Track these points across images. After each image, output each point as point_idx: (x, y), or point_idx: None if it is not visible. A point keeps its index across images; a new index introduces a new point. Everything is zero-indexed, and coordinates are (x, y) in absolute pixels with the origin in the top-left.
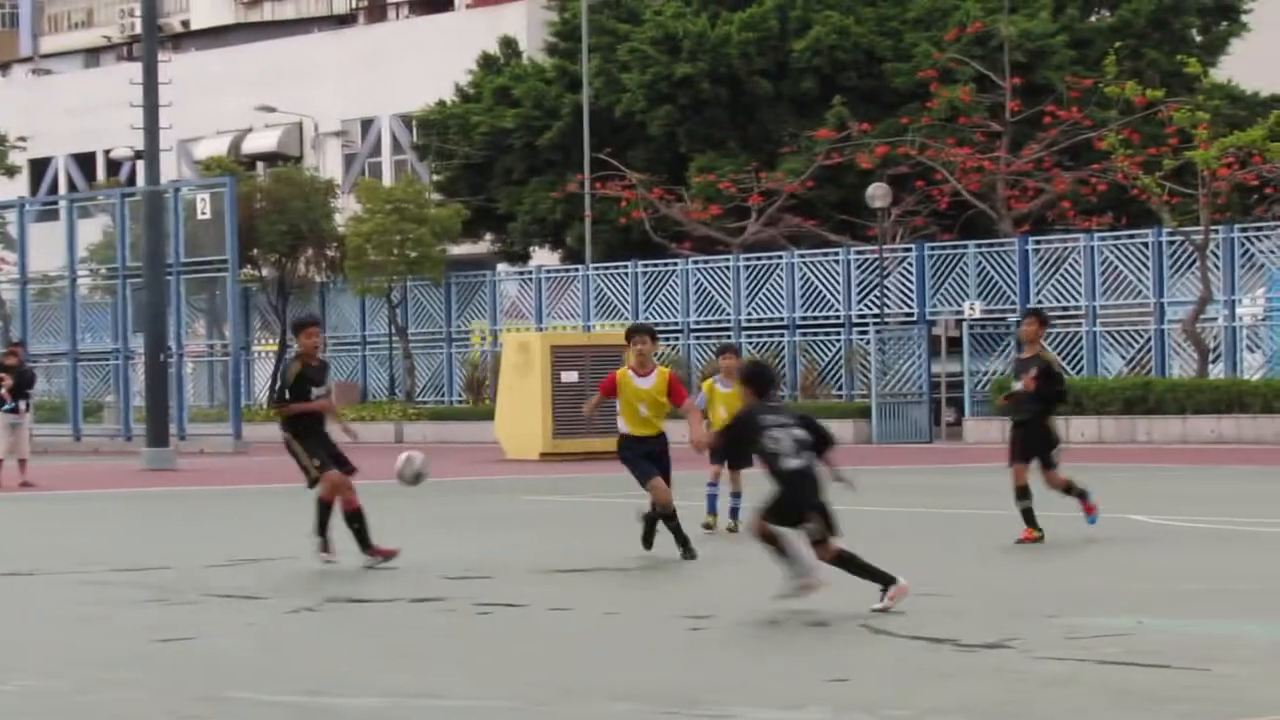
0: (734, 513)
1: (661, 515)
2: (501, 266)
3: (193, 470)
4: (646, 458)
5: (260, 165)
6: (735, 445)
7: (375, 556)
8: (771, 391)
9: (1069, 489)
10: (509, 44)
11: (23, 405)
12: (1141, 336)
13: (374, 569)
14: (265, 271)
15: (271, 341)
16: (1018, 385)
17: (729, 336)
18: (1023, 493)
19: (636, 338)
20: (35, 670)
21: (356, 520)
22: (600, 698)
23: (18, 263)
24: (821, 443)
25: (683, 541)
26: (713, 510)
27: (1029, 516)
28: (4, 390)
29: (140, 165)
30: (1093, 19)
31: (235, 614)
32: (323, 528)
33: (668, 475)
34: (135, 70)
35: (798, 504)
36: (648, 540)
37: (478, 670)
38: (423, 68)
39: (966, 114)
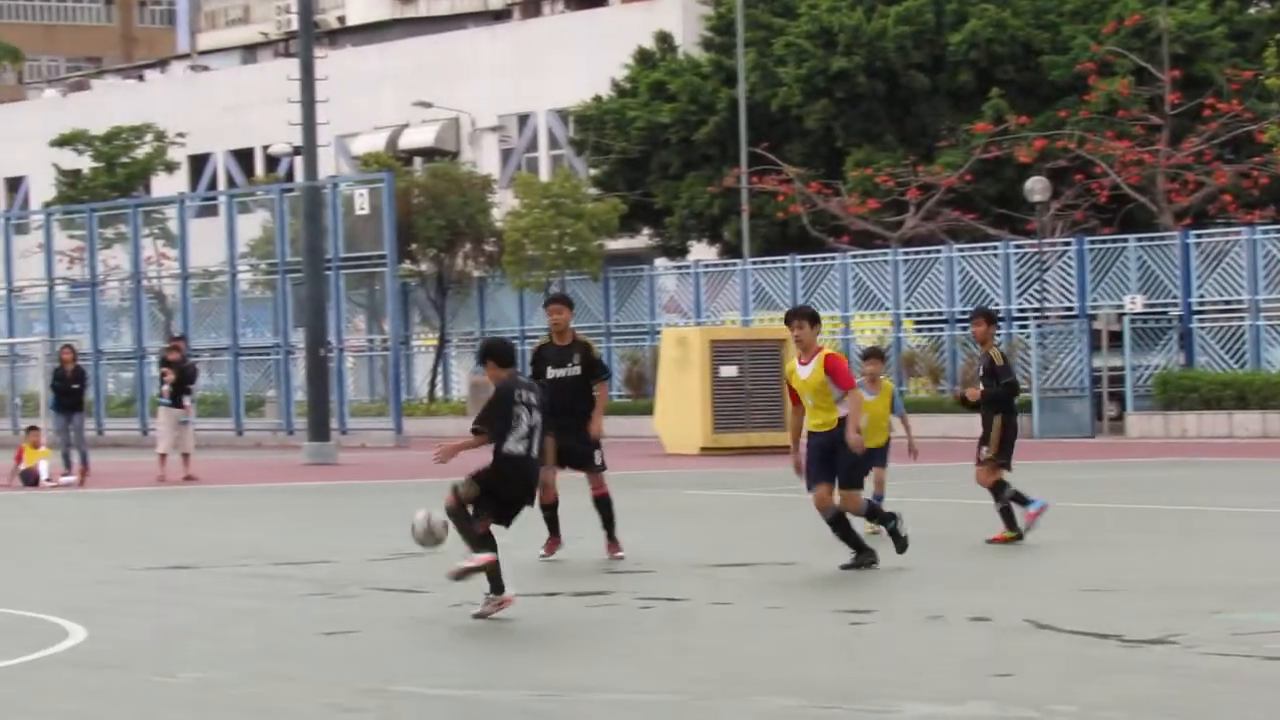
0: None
1: (831, 521)
2: (659, 261)
3: (354, 464)
4: (818, 459)
5: (417, 161)
6: (498, 419)
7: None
8: (513, 364)
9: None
10: (665, 39)
11: (186, 400)
12: None
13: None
14: (424, 266)
15: (431, 336)
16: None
17: (888, 331)
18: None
19: (793, 323)
20: (199, 663)
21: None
22: (760, 692)
23: (178, 258)
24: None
25: (897, 537)
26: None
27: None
28: (166, 385)
29: (298, 161)
30: (1252, 10)
31: (397, 608)
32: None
33: (846, 473)
34: (292, 66)
35: (505, 491)
36: (854, 544)
37: (639, 664)
38: (578, 63)
39: (1125, 107)
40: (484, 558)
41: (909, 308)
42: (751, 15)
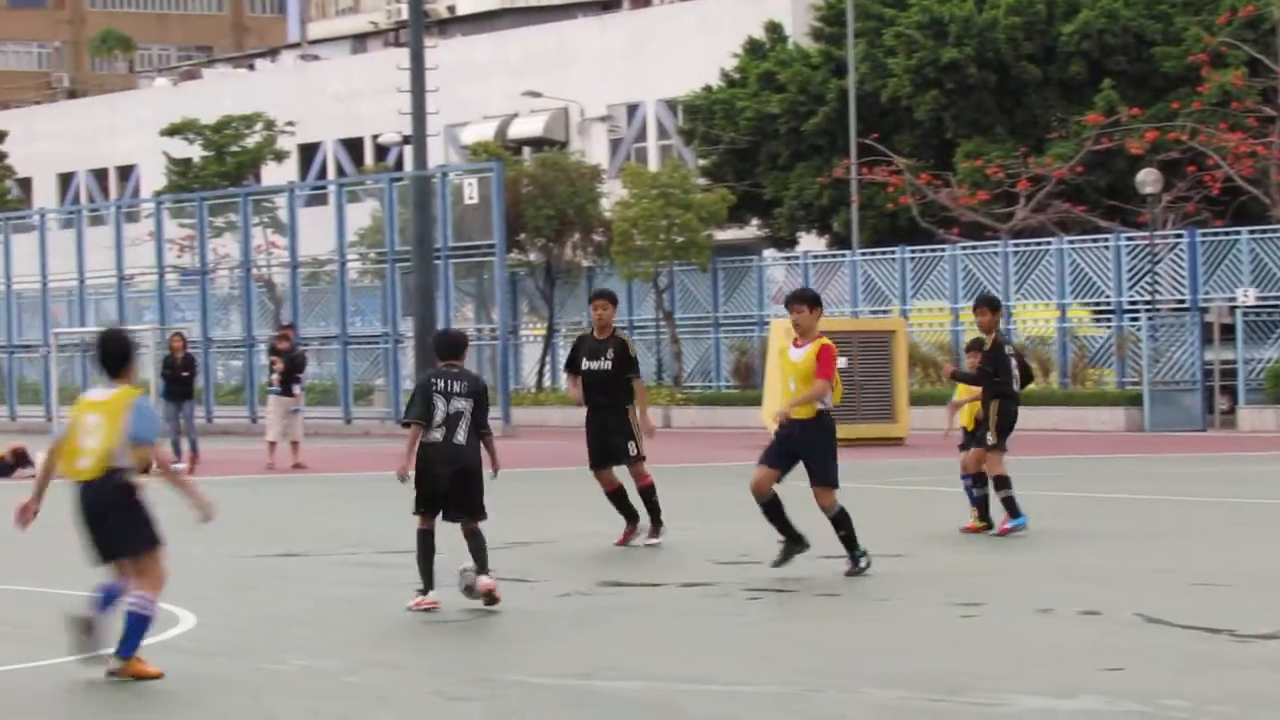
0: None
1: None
2: (768, 252)
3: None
4: (778, 445)
5: (526, 150)
6: (416, 409)
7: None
8: (454, 358)
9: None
10: (774, 29)
11: (295, 389)
12: None
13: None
14: (532, 256)
15: (539, 326)
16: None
17: (1048, 322)
18: (1001, 482)
19: (793, 306)
20: (307, 650)
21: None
22: (868, 684)
23: (288, 247)
24: (479, 425)
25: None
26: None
27: (1009, 504)
28: (275, 374)
29: (408, 150)
30: None
31: (506, 597)
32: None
33: (815, 465)
34: (402, 56)
35: (427, 483)
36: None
37: (746, 655)
38: (687, 53)
39: (1238, 99)
40: (429, 601)
41: (1018, 300)
42: (861, 5)
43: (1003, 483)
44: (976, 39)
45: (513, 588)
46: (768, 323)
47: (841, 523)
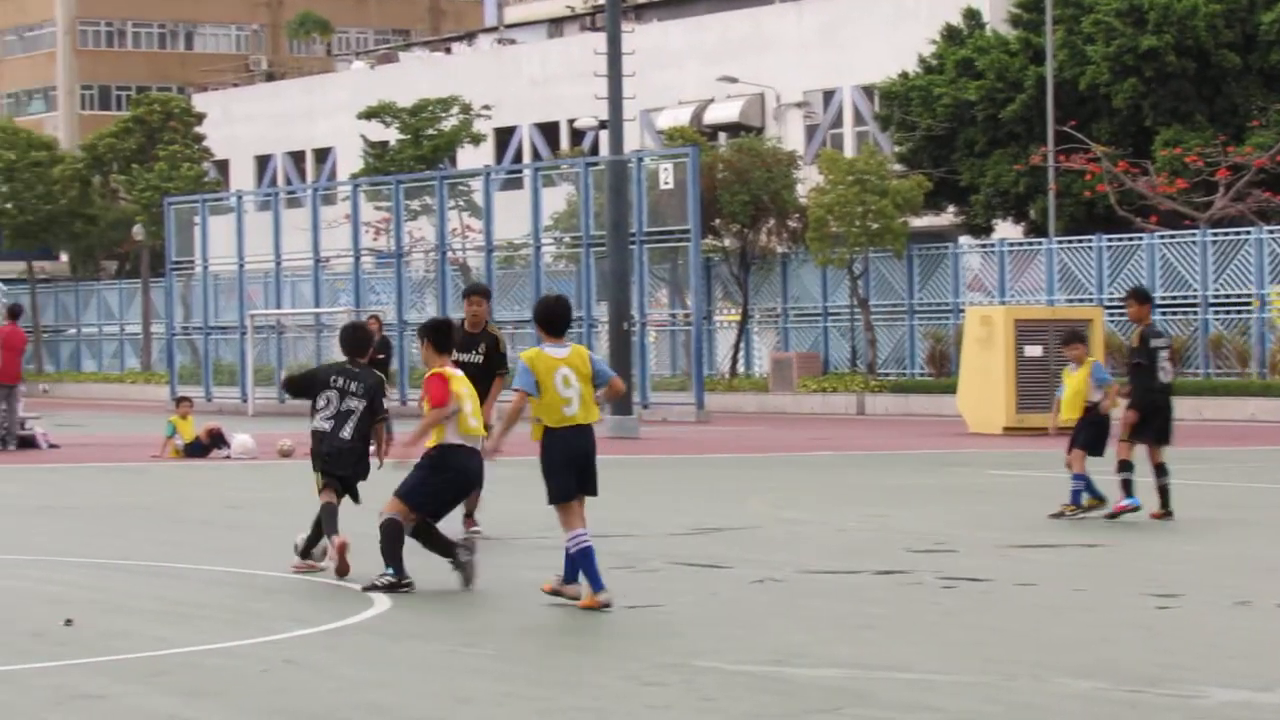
0: (1077, 495)
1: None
2: (963, 239)
3: (655, 438)
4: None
5: (722, 136)
6: (299, 395)
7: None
8: (357, 354)
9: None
10: (972, 15)
11: None
12: None
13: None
14: (726, 242)
15: (733, 312)
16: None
17: (1195, 313)
18: (1123, 465)
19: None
20: (500, 633)
21: None
22: (1064, 674)
23: (483, 230)
24: (367, 422)
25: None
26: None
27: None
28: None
29: (603, 135)
30: None
31: (700, 583)
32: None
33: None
34: (599, 40)
35: (320, 463)
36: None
37: (942, 644)
38: (884, 39)
39: None
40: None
41: (1216, 290)
42: None
43: (1124, 466)
44: (1176, 26)
45: (707, 573)
46: (963, 310)
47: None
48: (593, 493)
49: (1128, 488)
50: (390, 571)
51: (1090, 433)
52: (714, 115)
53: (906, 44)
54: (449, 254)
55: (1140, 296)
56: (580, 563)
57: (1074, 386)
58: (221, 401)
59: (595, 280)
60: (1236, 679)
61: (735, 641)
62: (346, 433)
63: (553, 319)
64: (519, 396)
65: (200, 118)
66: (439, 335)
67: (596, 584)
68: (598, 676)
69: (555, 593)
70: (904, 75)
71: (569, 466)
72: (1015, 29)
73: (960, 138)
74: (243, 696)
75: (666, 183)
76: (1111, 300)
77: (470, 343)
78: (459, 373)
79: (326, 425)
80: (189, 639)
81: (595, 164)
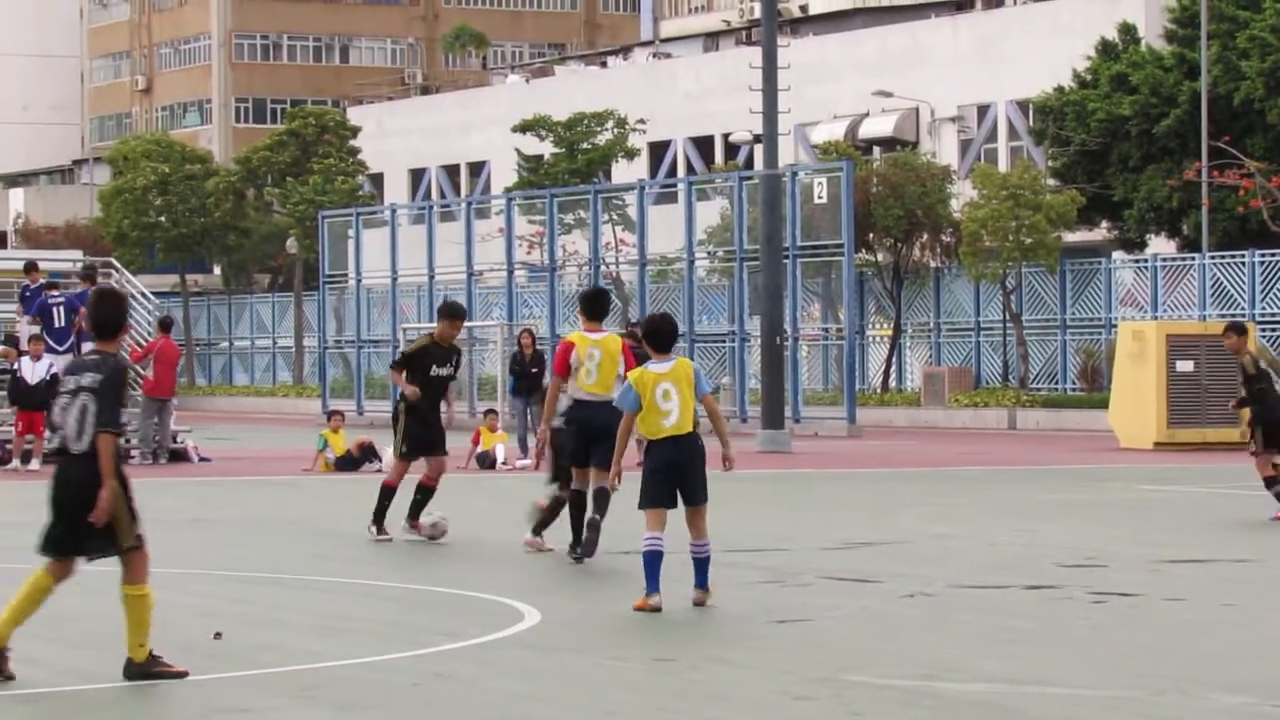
0: None
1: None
2: (1116, 254)
3: (807, 453)
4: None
5: (876, 150)
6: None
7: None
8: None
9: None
10: (1127, 30)
11: None
12: None
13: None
14: (880, 256)
15: (885, 326)
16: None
17: None
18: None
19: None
20: (652, 646)
21: (421, 493)
22: (1213, 690)
23: (637, 244)
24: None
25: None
26: None
27: None
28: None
29: (758, 149)
30: None
31: (850, 597)
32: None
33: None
34: (754, 54)
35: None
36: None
37: (1092, 659)
38: (1039, 54)
39: None
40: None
41: None
42: (1215, 7)
43: (1271, 482)
44: None
45: (858, 588)
46: (1115, 325)
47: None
48: (695, 501)
49: None
50: None
51: None
52: (868, 129)
53: (1061, 58)
54: (602, 268)
55: (1238, 329)
56: (646, 562)
57: None
58: (373, 415)
59: (749, 294)
60: None
61: (885, 656)
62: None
63: (659, 335)
64: (627, 418)
65: (355, 131)
66: (589, 303)
67: (653, 586)
68: (746, 690)
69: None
70: (1059, 90)
71: (663, 475)
72: (1170, 44)
73: (1114, 153)
74: (394, 710)
75: (820, 197)
76: (1264, 316)
77: (445, 357)
78: (591, 335)
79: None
80: (339, 653)
81: (749, 178)
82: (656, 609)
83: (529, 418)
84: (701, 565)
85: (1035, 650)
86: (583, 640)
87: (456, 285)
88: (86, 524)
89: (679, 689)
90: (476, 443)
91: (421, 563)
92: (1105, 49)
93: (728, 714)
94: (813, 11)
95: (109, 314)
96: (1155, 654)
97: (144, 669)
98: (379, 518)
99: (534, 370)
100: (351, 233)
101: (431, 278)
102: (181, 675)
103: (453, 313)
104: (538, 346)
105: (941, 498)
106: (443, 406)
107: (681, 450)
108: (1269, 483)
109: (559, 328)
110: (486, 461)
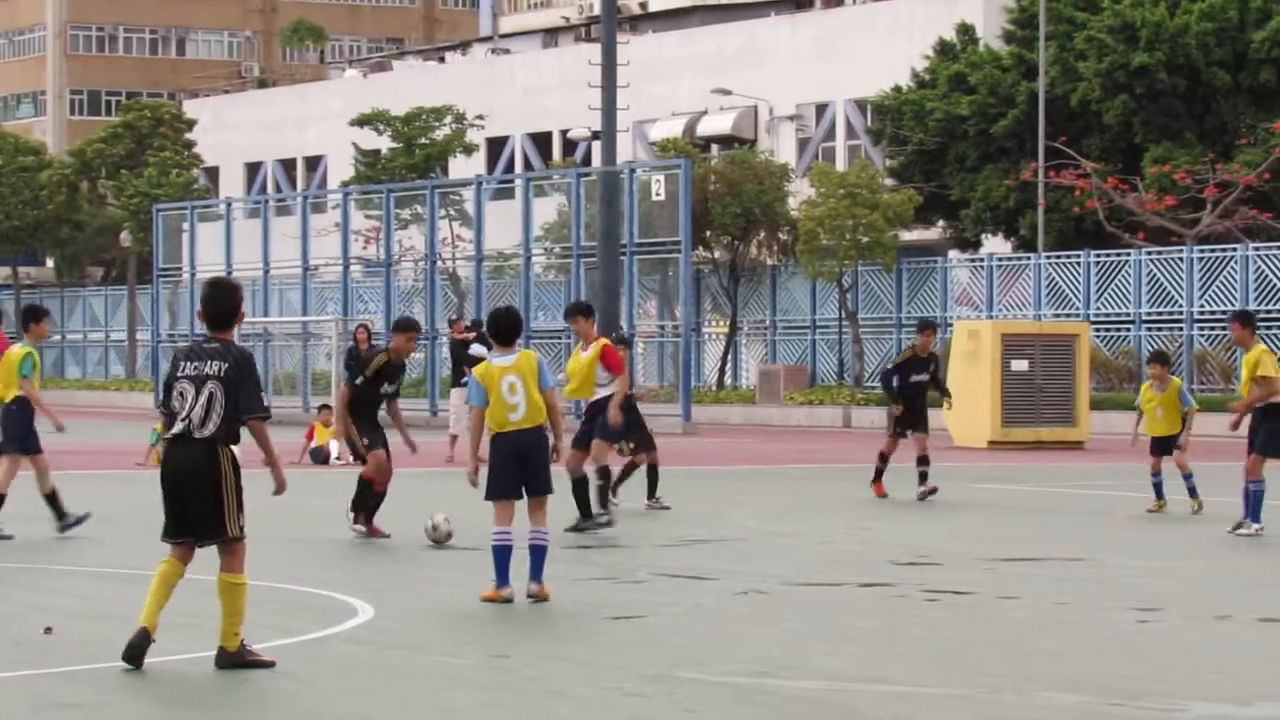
0: (1191, 491)
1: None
2: (953, 253)
3: None
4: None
5: (714, 148)
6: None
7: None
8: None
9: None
10: (966, 30)
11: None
12: None
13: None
14: (717, 254)
15: (722, 324)
16: None
17: (1180, 329)
18: None
19: (574, 318)
20: (485, 644)
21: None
22: (1047, 688)
23: (474, 240)
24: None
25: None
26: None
27: None
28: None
29: (596, 146)
30: None
31: (684, 594)
32: (359, 504)
33: (602, 429)
34: (593, 51)
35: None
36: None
37: (926, 657)
38: (878, 53)
39: None
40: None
41: (1201, 307)
42: (1053, 9)
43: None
44: (1167, 44)
45: (692, 585)
46: (950, 324)
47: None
48: (541, 492)
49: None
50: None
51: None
52: (707, 127)
53: (900, 58)
54: (438, 263)
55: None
56: (495, 555)
57: (1165, 404)
58: None
59: (585, 291)
60: (1217, 693)
61: (719, 653)
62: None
63: (500, 329)
64: (476, 412)
65: (190, 124)
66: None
67: (502, 579)
68: (581, 687)
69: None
70: (897, 89)
71: (510, 467)
72: (1008, 45)
73: (951, 152)
74: (225, 706)
75: (658, 194)
76: (1098, 316)
77: (395, 373)
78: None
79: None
80: (175, 648)
81: (587, 174)
82: (508, 600)
83: None
84: (538, 554)
85: (869, 648)
86: (417, 636)
87: (291, 280)
88: (200, 508)
89: (514, 685)
90: (310, 438)
91: (256, 559)
92: (944, 49)
93: (562, 711)
94: (652, 8)
95: (224, 304)
96: (990, 652)
97: (237, 657)
98: (367, 514)
99: None
100: (186, 226)
101: (266, 272)
102: (270, 665)
103: (410, 326)
104: (373, 342)
105: (776, 495)
106: (398, 434)
107: (528, 442)
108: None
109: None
110: (320, 457)
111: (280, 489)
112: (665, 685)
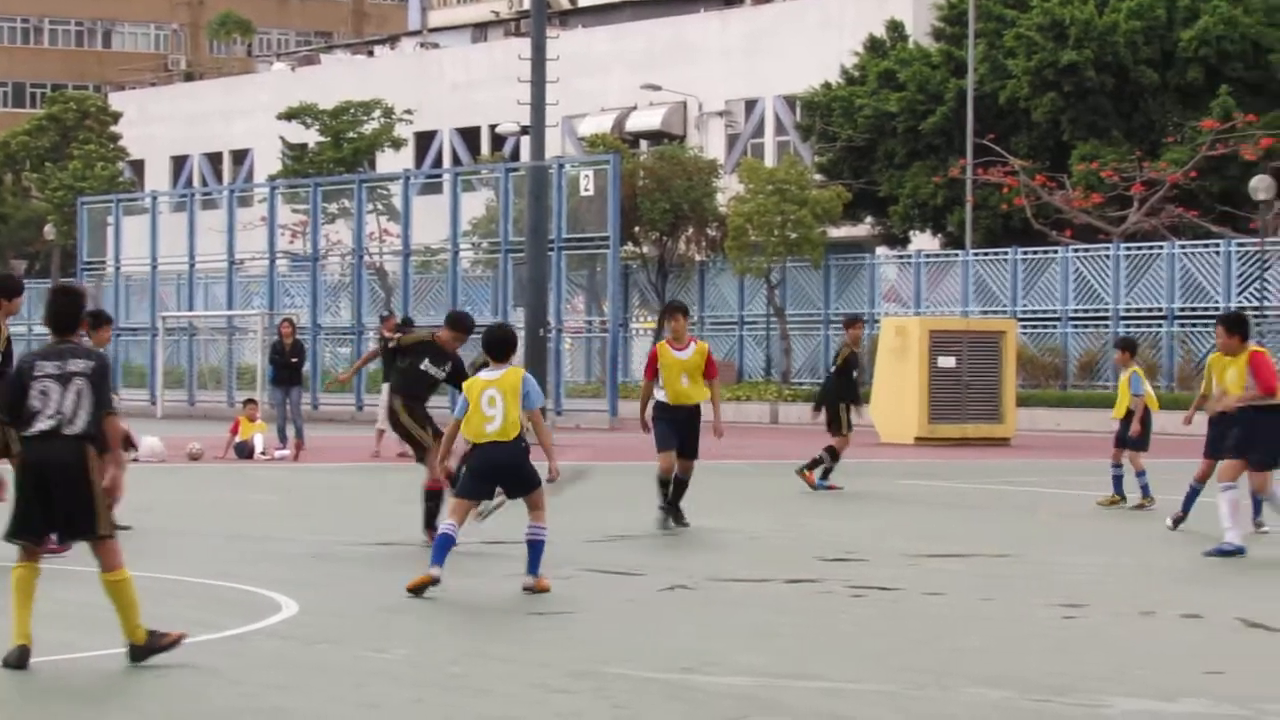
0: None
1: (662, 481)
2: (880, 250)
3: (568, 445)
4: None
5: (643, 143)
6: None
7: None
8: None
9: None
10: (895, 27)
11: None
12: None
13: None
14: (646, 249)
15: (650, 319)
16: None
17: (1106, 326)
18: None
19: (674, 315)
20: (410, 639)
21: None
22: (972, 684)
23: (401, 235)
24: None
25: (671, 510)
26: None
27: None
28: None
29: (525, 141)
30: None
31: (611, 590)
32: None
33: (689, 446)
34: (522, 46)
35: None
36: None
37: (852, 653)
38: (807, 49)
39: None
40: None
41: (1128, 304)
42: (983, 6)
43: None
44: (1096, 42)
45: (620, 580)
46: (878, 320)
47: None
48: (520, 494)
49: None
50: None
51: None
52: (636, 123)
53: (829, 55)
54: (366, 258)
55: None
56: (437, 541)
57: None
58: (130, 404)
59: (513, 286)
60: (1140, 689)
61: (645, 649)
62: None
63: (492, 345)
64: (454, 422)
65: (116, 117)
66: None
67: (437, 559)
68: (507, 684)
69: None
70: (826, 86)
71: (481, 477)
72: (938, 42)
73: (880, 149)
74: (141, 701)
75: (587, 190)
76: (1025, 313)
77: (439, 359)
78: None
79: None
80: (91, 643)
81: (516, 170)
82: (435, 580)
83: (287, 408)
84: (535, 549)
85: (796, 644)
86: (341, 632)
87: (217, 274)
88: (69, 505)
89: (440, 682)
90: (235, 432)
91: (178, 553)
92: (873, 46)
93: (488, 707)
94: (582, 3)
95: (69, 309)
96: (915, 648)
97: (149, 647)
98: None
99: (294, 360)
100: (111, 220)
101: (192, 266)
102: (181, 638)
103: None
104: (298, 336)
105: (703, 491)
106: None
107: (501, 455)
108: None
109: (320, 317)
110: (245, 451)
111: (114, 492)
112: (593, 681)
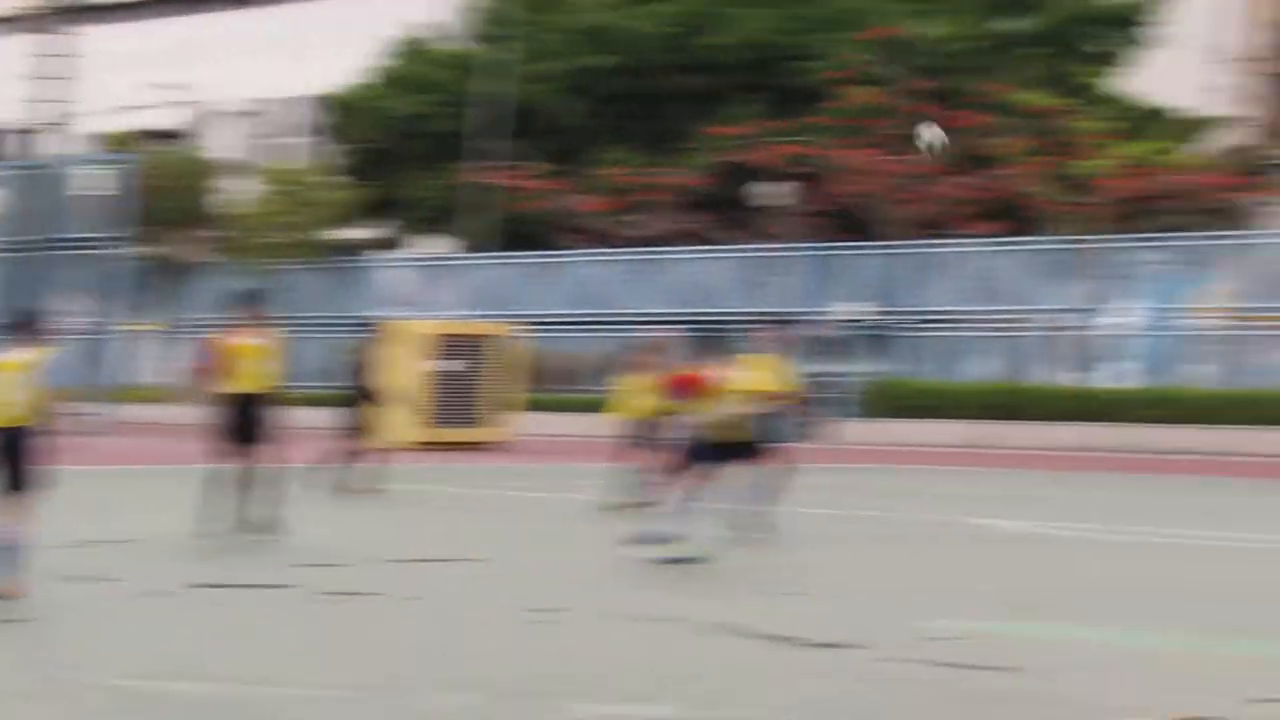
0: None
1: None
2: (386, 252)
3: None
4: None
5: (156, 143)
6: None
7: None
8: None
9: None
10: (419, 29)
11: None
12: (1014, 340)
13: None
14: (151, 249)
15: (153, 320)
16: None
17: (610, 330)
18: None
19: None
20: None
21: None
22: (437, 688)
23: None
24: None
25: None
26: None
27: None
28: None
29: (31, 139)
30: (1001, 26)
31: (83, 596)
32: None
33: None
34: (32, 42)
35: None
36: None
37: (324, 658)
38: (327, 50)
39: (872, 116)
40: None
41: (633, 307)
42: (510, 10)
43: None
44: (624, 48)
45: (91, 587)
46: (381, 323)
47: None
48: (19, 489)
49: None
50: None
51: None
52: (150, 121)
53: (350, 55)
54: None
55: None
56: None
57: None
58: None
59: (9, 286)
60: (611, 693)
61: (117, 656)
62: None
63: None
64: None
65: None
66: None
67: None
68: None
69: None
70: (347, 86)
71: None
72: (464, 45)
73: (400, 151)
74: None
75: (94, 189)
76: (531, 317)
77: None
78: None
79: None
80: None
81: (21, 168)
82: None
83: None
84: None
85: (266, 649)
86: None
87: None
88: None
89: None
90: None
91: None
92: (399, 47)
93: None
94: (96, 1)
95: None
96: (387, 652)
97: None
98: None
99: None
100: None
101: None
102: None
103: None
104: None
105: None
106: None
107: (13, 440)
108: None
109: None
110: None
111: None
112: (62, 690)
